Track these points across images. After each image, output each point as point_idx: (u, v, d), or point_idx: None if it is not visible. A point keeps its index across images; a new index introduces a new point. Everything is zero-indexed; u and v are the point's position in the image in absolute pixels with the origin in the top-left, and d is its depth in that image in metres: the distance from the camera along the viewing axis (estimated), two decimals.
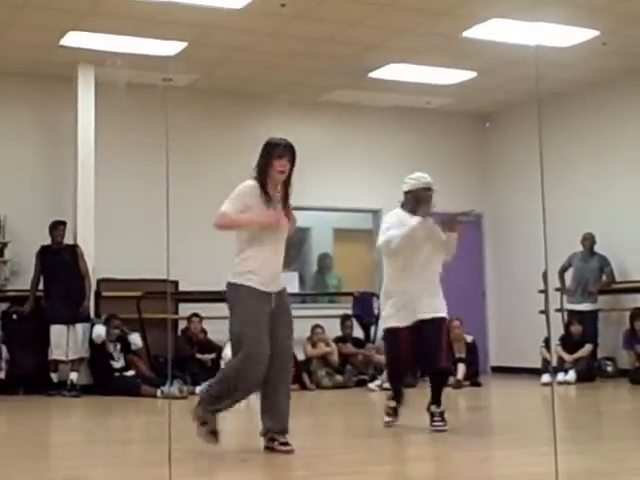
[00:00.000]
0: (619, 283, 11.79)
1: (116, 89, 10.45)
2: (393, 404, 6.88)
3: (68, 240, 10.76)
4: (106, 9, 9.37)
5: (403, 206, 6.80)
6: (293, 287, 12.75)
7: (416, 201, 6.69)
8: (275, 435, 5.61)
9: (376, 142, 13.31)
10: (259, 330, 5.52)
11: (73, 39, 10.19)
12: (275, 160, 5.63)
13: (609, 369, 11.63)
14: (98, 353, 10.56)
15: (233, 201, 5.63)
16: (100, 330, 10.55)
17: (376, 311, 12.45)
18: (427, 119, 13.54)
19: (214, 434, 5.58)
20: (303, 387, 10.87)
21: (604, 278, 11.79)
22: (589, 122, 12.49)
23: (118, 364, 10.54)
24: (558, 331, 11.55)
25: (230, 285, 5.66)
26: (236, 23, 9.81)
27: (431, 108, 13.42)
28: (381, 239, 6.68)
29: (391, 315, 6.71)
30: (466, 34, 10.19)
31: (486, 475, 5.04)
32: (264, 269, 5.61)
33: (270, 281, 5.62)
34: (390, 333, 6.75)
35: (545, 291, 11.54)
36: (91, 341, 10.56)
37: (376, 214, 13.29)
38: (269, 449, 5.61)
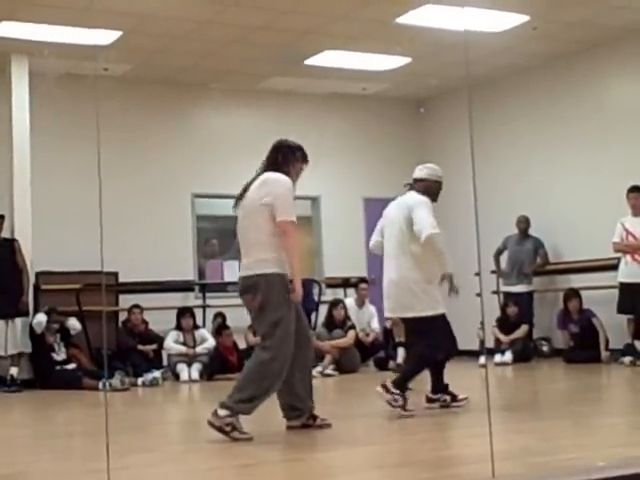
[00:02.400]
0: (553, 264, 12.01)
1: (51, 80, 10.34)
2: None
3: (5, 234, 10.64)
4: None
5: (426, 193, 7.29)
6: (233, 276, 12.76)
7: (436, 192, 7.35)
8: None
9: (313, 129, 13.30)
10: None
11: (6, 29, 10.06)
12: (301, 164, 6.37)
13: (545, 349, 11.86)
14: (39, 346, 10.47)
15: (290, 204, 6.13)
16: (41, 318, 10.44)
17: (316, 298, 12.55)
18: (363, 105, 13.64)
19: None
20: None
21: (538, 260, 12.00)
22: (522, 106, 12.68)
23: (59, 357, 10.47)
24: (495, 313, 11.75)
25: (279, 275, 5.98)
26: (172, 11, 9.78)
27: (367, 94, 13.51)
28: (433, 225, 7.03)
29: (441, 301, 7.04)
30: (400, 20, 10.26)
31: (424, 457, 5.12)
32: None
33: None
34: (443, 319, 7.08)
35: (479, 274, 11.68)
36: (32, 332, 10.46)
37: (315, 201, 13.34)
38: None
